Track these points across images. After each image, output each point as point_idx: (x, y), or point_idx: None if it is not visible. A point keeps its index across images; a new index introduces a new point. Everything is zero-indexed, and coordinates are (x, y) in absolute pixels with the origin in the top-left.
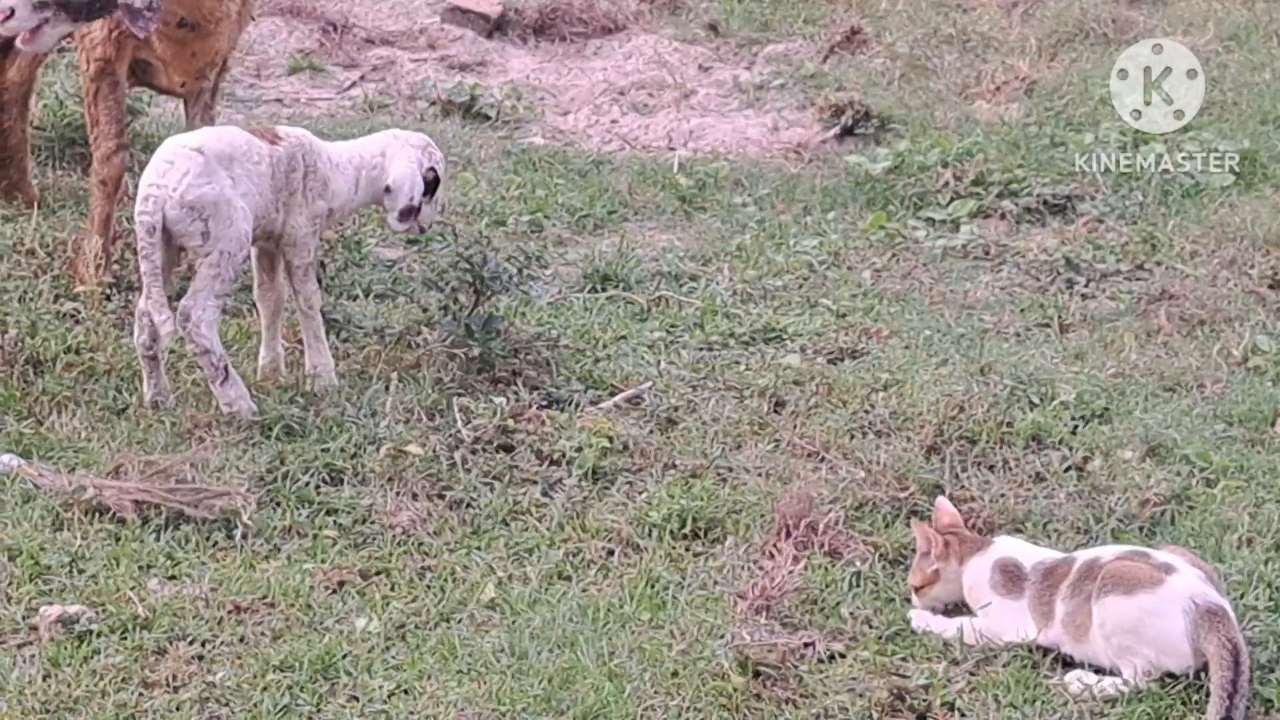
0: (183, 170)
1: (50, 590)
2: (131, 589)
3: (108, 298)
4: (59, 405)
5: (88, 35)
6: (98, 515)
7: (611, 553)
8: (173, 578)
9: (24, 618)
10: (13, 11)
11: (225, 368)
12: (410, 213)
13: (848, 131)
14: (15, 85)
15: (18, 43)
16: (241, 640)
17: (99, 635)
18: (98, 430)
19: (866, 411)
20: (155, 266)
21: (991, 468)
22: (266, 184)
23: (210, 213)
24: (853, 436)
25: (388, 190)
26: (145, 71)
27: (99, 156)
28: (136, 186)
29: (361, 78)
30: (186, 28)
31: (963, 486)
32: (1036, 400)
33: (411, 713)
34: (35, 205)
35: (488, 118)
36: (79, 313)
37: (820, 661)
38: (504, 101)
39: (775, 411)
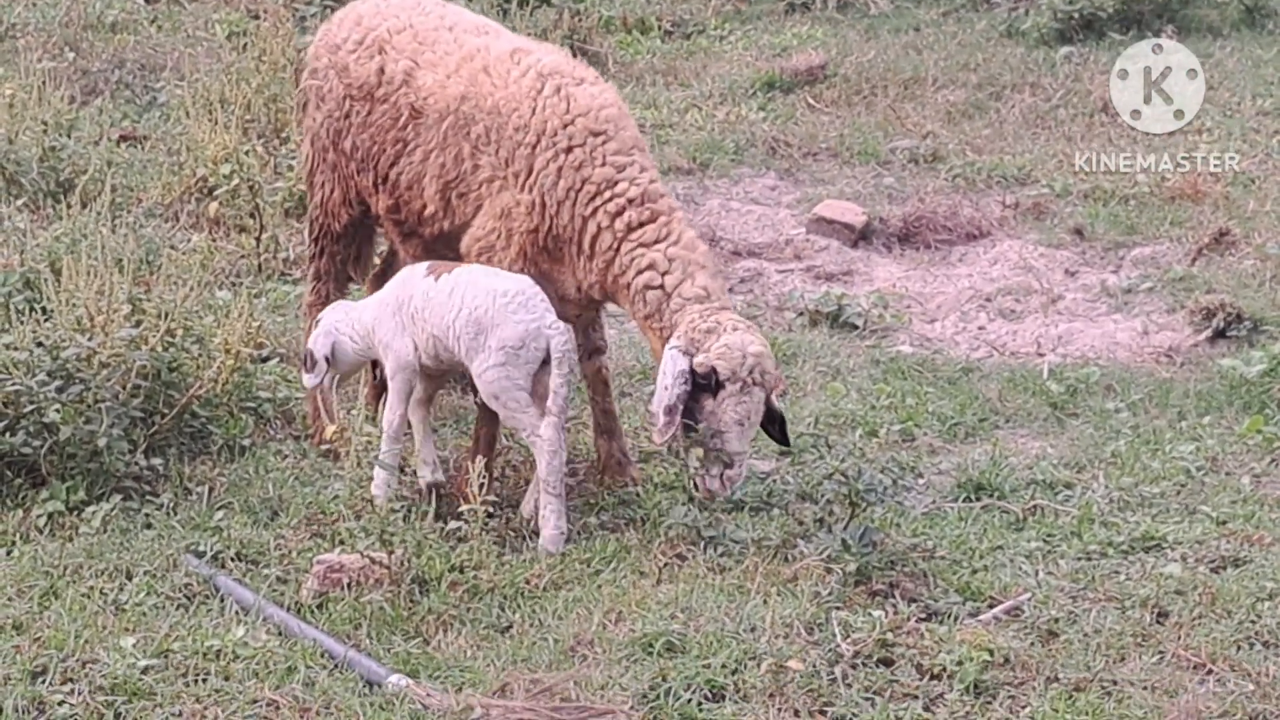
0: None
1: None
2: None
3: (490, 515)
4: (445, 624)
5: (486, 264)
6: None
7: None
8: None
9: None
10: None
11: None
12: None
13: (1220, 334)
14: None
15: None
16: None
17: None
18: (483, 649)
19: (1253, 621)
20: None
21: None
22: None
23: None
24: (1239, 648)
25: None
26: None
27: None
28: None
29: (730, 289)
30: None
31: None
32: None
33: None
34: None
35: (855, 327)
36: (463, 531)
37: None
38: (871, 310)
39: (1158, 622)
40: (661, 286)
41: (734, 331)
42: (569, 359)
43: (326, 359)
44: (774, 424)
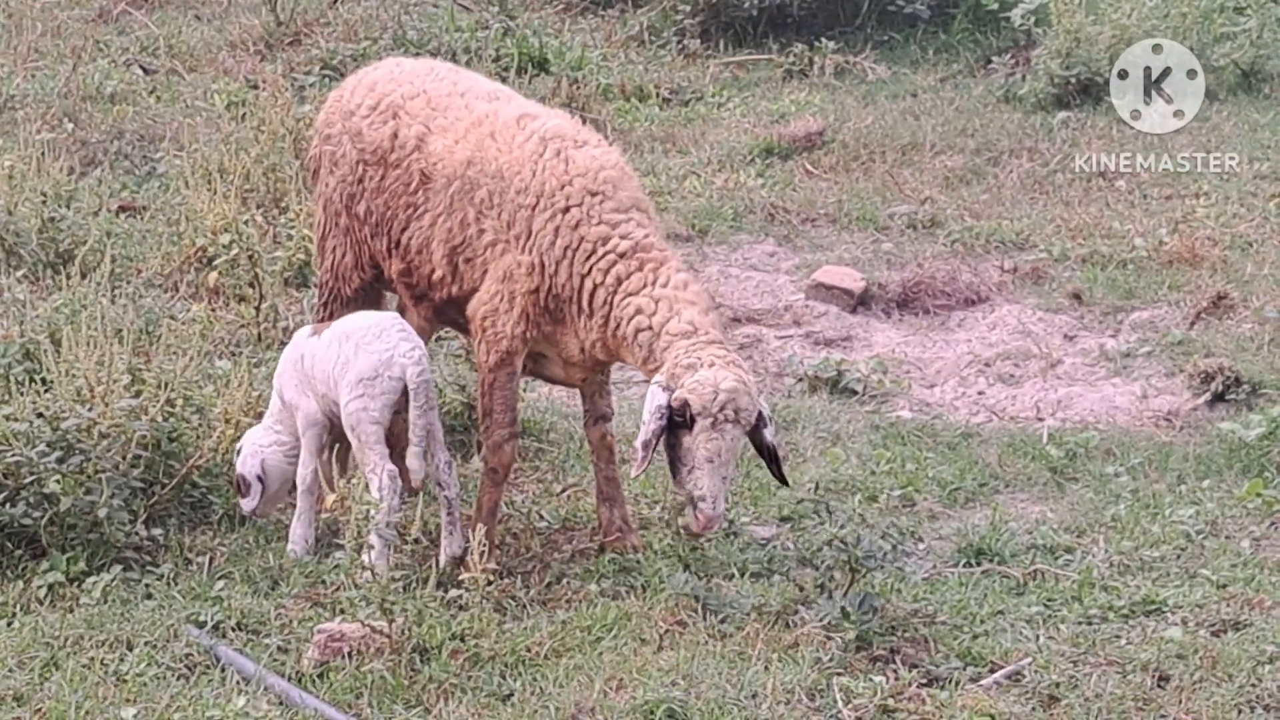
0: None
1: None
2: None
3: (490, 583)
4: (446, 693)
5: (490, 329)
6: None
7: None
8: None
9: None
10: None
11: None
12: None
13: (1218, 398)
14: None
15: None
16: None
17: None
18: (484, 717)
19: (1254, 685)
20: None
21: None
22: None
23: None
24: (1240, 712)
25: None
26: (539, 363)
27: (491, 445)
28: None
29: None
30: None
31: None
32: None
33: None
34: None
35: (855, 392)
36: (463, 599)
37: None
38: (870, 375)
39: (1159, 686)
40: (650, 327)
41: (710, 367)
42: (425, 389)
43: (259, 478)
44: (771, 461)
